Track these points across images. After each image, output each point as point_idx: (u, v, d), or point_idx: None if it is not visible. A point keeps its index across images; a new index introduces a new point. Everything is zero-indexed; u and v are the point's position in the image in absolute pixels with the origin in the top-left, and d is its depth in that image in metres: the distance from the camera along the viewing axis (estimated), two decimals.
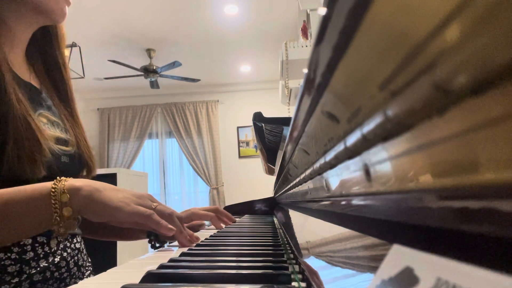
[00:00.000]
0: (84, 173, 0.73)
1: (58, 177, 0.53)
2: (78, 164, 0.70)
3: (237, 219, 1.34)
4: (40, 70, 0.73)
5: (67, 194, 0.50)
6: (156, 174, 5.29)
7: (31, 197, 0.50)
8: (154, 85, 4.42)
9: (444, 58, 0.10)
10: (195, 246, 0.58)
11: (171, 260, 0.44)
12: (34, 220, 0.50)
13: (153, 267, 0.39)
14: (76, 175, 0.69)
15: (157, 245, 0.66)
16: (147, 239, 0.69)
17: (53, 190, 0.50)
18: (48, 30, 0.73)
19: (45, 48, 0.73)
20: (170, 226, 0.57)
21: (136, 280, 0.34)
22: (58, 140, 0.65)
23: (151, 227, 0.56)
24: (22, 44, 0.67)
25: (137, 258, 0.52)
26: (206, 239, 0.67)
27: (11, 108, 0.55)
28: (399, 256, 0.14)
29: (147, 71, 4.12)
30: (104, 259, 2.55)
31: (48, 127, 0.64)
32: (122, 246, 2.90)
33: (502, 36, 0.07)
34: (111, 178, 2.68)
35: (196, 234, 0.65)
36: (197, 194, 5.27)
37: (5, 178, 0.54)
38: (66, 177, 0.54)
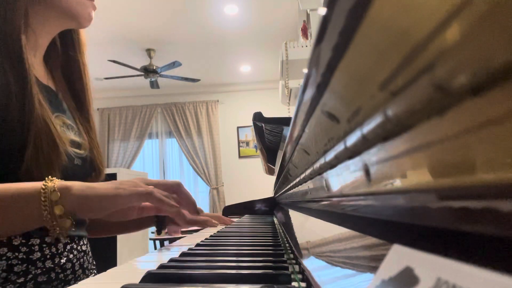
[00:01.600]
0: (93, 177, 0.73)
1: (49, 177, 0.53)
2: (89, 167, 0.71)
3: (237, 219, 1.34)
4: (57, 74, 0.73)
5: (57, 193, 0.50)
6: (156, 174, 5.29)
7: (20, 194, 0.50)
8: (154, 85, 4.42)
9: (444, 58, 0.10)
10: (195, 246, 0.58)
11: (171, 260, 0.44)
12: (21, 217, 0.50)
13: (153, 267, 0.39)
14: (85, 178, 0.70)
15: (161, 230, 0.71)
16: (153, 227, 0.74)
17: (43, 187, 0.50)
18: (69, 36, 0.74)
19: (68, 53, 0.75)
20: (172, 202, 0.58)
21: (136, 280, 0.34)
22: (73, 143, 0.66)
23: (154, 205, 0.57)
24: (42, 48, 0.68)
25: (137, 258, 0.52)
26: (206, 239, 0.67)
27: (34, 112, 0.56)
28: (399, 256, 0.14)
29: (147, 71, 4.12)
30: (104, 259, 2.55)
31: (63, 130, 0.65)
32: (122, 246, 2.90)
33: (502, 36, 0.07)
34: (111, 178, 2.68)
35: (195, 234, 0.65)
36: (197, 194, 5.26)
37: (22, 180, 0.54)
38: (77, 179, 0.55)
